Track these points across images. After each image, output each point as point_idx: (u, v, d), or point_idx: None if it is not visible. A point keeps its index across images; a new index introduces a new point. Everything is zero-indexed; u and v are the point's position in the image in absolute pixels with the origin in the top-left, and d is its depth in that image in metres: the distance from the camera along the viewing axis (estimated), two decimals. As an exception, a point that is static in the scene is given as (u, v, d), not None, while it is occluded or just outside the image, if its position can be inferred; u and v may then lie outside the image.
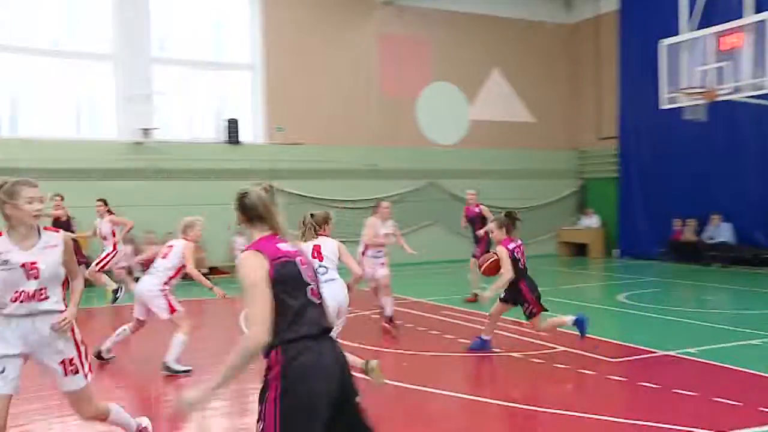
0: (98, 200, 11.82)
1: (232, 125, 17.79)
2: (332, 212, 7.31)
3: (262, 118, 18.34)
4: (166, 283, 7.53)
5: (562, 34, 22.29)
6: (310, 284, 3.29)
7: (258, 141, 18.30)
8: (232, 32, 18.64)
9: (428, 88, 19.96)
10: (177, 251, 7.62)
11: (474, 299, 11.48)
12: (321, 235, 6.84)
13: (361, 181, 18.97)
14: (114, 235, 11.63)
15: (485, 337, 8.12)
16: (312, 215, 6.86)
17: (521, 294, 7.75)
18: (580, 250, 21.17)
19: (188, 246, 7.63)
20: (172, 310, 7.47)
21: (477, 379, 7.26)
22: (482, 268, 8.01)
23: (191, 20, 18.01)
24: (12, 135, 16.09)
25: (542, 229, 21.33)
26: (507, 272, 7.62)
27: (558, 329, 8.11)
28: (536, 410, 5.84)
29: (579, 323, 7.97)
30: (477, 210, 12.38)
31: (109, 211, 11.79)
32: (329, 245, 6.76)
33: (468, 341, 8.44)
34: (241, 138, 17.88)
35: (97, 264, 11.58)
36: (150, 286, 7.53)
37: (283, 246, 3.31)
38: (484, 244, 11.86)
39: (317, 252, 6.65)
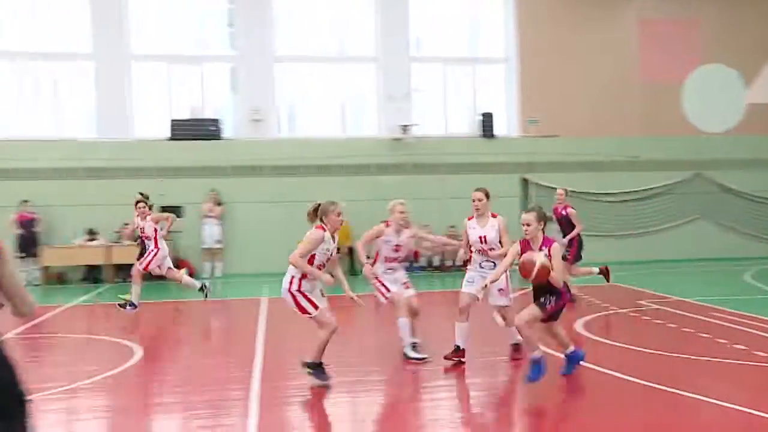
0: (139, 201, 11.02)
1: (487, 119, 17.99)
2: (340, 204, 6.57)
3: (516, 111, 18.32)
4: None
5: None
6: None
7: (512, 134, 18.31)
8: (486, 27, 18.83)
9: (696, 71, 18.50)
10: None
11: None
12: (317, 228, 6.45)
13: (620, 173, 18.17)
14: (156, 233, 11.15)
15: (537, 356, 6.34)
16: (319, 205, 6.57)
17: (559, 298, 6.49)
18: None
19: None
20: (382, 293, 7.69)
21: (757, 391, 6.54)
22: (533, 274, 6.19)
23: (446, 18, 18.53)
24: (290, 135, 17.82)
25: (838, 227, 18.78)
26: (560, 273, 6.33)
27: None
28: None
29: (572, 358, 6.69)
30: (564, 212, 11.24)
31: (150, 209, 11.20)
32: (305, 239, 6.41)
33: (743, 347, 7.69)
34: (495, 132, 18.03)
35: (140, 262, 11.09)
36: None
37: None
38: (575, 248, 11.03)
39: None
